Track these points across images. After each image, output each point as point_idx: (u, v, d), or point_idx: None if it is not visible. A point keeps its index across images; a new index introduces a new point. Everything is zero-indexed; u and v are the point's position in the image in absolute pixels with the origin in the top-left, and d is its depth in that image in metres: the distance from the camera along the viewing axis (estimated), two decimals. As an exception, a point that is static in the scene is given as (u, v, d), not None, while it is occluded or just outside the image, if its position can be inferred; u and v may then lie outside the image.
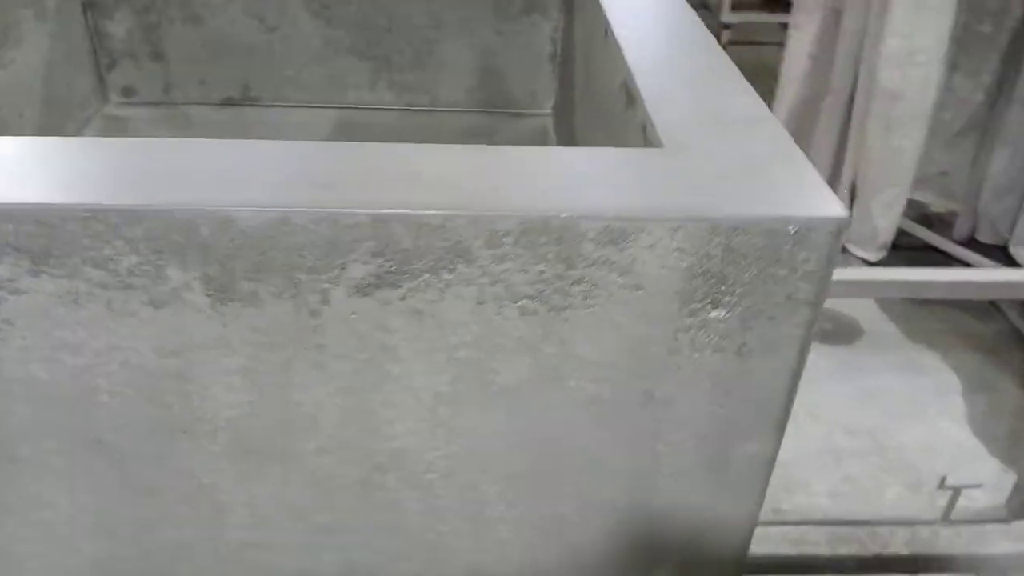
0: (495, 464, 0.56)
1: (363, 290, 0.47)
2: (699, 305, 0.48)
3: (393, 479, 0.56)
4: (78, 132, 1.04)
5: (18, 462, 0.54)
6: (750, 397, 0.53)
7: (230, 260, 0.46)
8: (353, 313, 0.48)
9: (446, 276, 0.47)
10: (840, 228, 0.46)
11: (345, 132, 1.11)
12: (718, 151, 0.53)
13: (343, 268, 0.46)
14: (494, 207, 0.45)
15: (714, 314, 0.49)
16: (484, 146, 0.52)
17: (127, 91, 1.14)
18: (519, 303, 0.48)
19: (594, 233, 0.46)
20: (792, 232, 0.46)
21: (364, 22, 1.10)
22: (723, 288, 0.48)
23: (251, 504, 0.57)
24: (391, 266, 0.46)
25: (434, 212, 0.45)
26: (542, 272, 0.47)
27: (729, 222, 0.46)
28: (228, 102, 1.15)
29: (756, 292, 0.48)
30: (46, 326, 0.48)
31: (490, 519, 0.59)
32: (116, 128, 1.09)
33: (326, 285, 0.47)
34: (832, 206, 0.47)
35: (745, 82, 0.63)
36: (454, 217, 0.45)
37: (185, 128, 1.11)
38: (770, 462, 0.56)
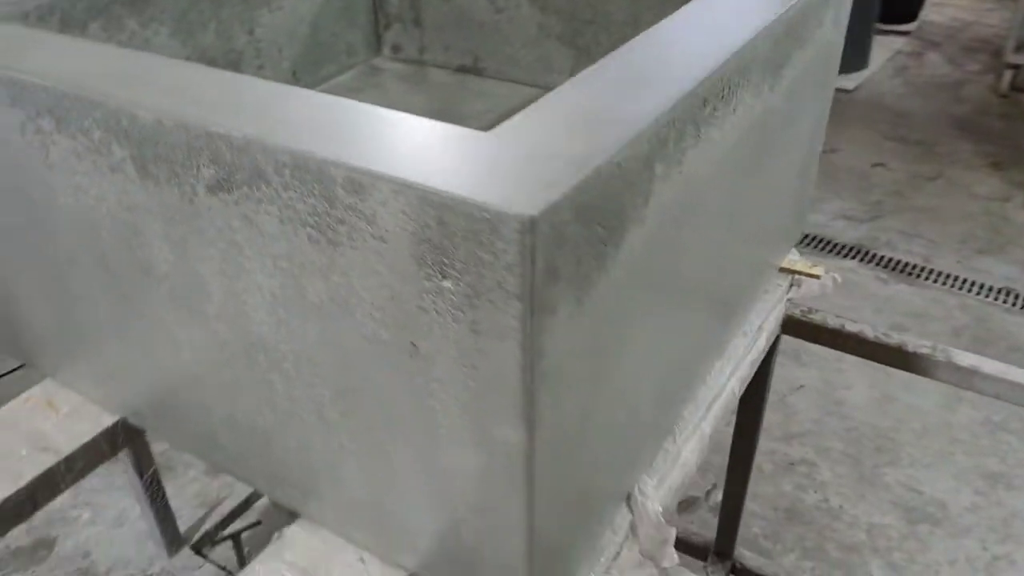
0: (325, 372, 0.65)
1: (212, 189, 0.60)
2: (432, 271, 0.52)
3: (263, 359, 0.68)
4: (334, 76, 1.31)
5: (73, 264, 0.78)
6: (493, 378, 0.54)
7: (140, 146, 0.62)
8: (209, 208, 0.61)
9: (256, 192, 0.57)
10: (528, 229, 0.46)
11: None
12: (535, 141, 0.54)
13: (198, 168, 0.60)
14: (282, 142, 0.55)
15: (445, 284, 0.52)
16: (339, 99, 0.60)
17: (395, 48, 1.38)
18: (307, 230, 0.57)
19: (341, 179, 0.52)
20: (487, 219, 0.47)
21: (573, 13, 1.18)
22: (446, 260, 0.51)
23: (191, 344, 0.74)
24: (223, 174, 0.59)
25: (240, 135, 0.56)
26: (314, 206, 0.55)
27: (438, 196, 0.49)
28: (461, 69, 1.32)
29: (472, 272, 0.50)
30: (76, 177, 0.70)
31: (330, 422, 0.68)
32: (369, 76, 1.33)
33: (192, 180, 0.61)
34: (528, 205, 0.46)
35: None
36: (252, 143, 0.55)
37: (420, 84, 1.31)
38: (527, 456, 0.56)
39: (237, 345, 0.70)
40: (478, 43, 1.29)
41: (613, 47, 1.19)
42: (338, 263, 0.57)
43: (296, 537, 0.78)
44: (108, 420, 0.92)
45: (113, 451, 0.93)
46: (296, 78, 1.24)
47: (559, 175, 0.50)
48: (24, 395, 0.96)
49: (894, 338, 1.10)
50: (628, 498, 0.80)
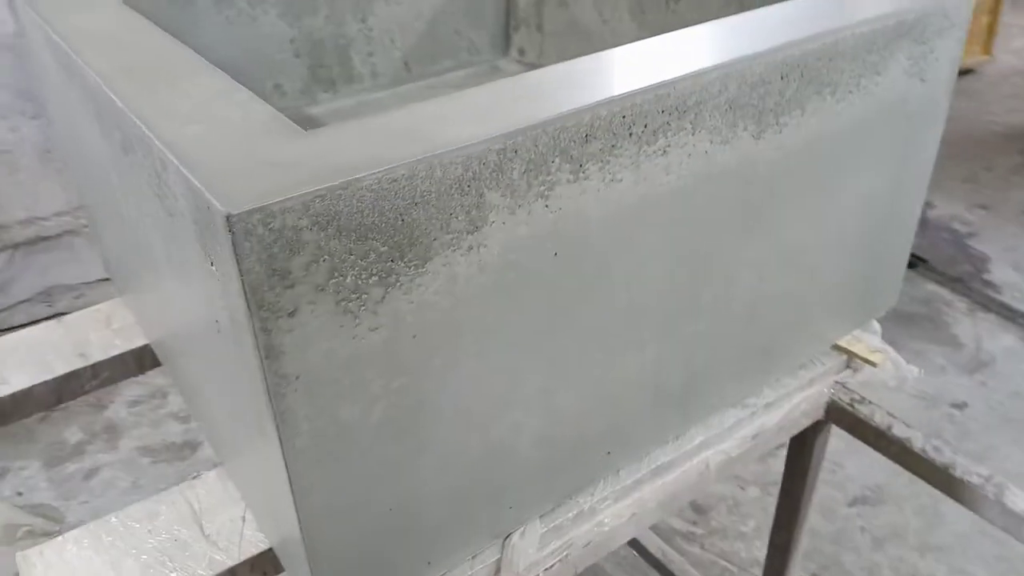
0: (197, 335, 0.70)
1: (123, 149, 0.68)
2: (204, 251, 0.55)
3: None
4: (449, 71, 1.36)
5: (122, 201, 0.91)
6: (248, 371, 0.56)
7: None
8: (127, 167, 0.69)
9: (130, 158, 0.64)
10: (227, 227, 0.47)
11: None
12: (339, 147, 0.54)
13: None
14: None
15: (211, 267, 0.54)
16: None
17: (521, 51, 1.40)
18: (153, 194, 0.62)
19: (156, 150, 0.57)
20: (208, 210, 0.49)
21: (664, 29, 1.12)
22: (208, 243, 0.53)
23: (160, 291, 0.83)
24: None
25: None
26: (153, 175, 0.60)
27: (190, 183, 0.51)
28: (568, 79, 1.31)
29: (218, 259, 0.52)
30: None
31: (207, 383, 0.73)
32: (485, 75, 1.37)
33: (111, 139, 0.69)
34: (240, 204, 0.48)
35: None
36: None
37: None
38: (283, 455, 0.57)
39: (168, 299, 0.78)
40: (585, 52, 1.27)
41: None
42: (173, 231, 0.61)
43: (208, 481, 0.85)
44: (140, 342, 1.05)
45: (140, 369, 1.07)
46: (408, 68, 1.31)
47: (304, 181, 0.50)
48: (96, 307, 1.13)
49: (945, 455, 0.92)
50: (507, 538, 0.77)
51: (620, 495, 0.84)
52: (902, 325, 2.39)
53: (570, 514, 0.80)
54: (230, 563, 0.76)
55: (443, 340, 0.61)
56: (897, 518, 1.75)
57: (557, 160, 0.60)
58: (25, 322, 2.61)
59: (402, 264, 0.56)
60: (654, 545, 1.55)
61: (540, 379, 0.71)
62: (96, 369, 1.03)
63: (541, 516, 0.79)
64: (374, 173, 0.52)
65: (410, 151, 0.53)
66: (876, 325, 1.07)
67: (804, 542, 1.19)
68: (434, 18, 1.31)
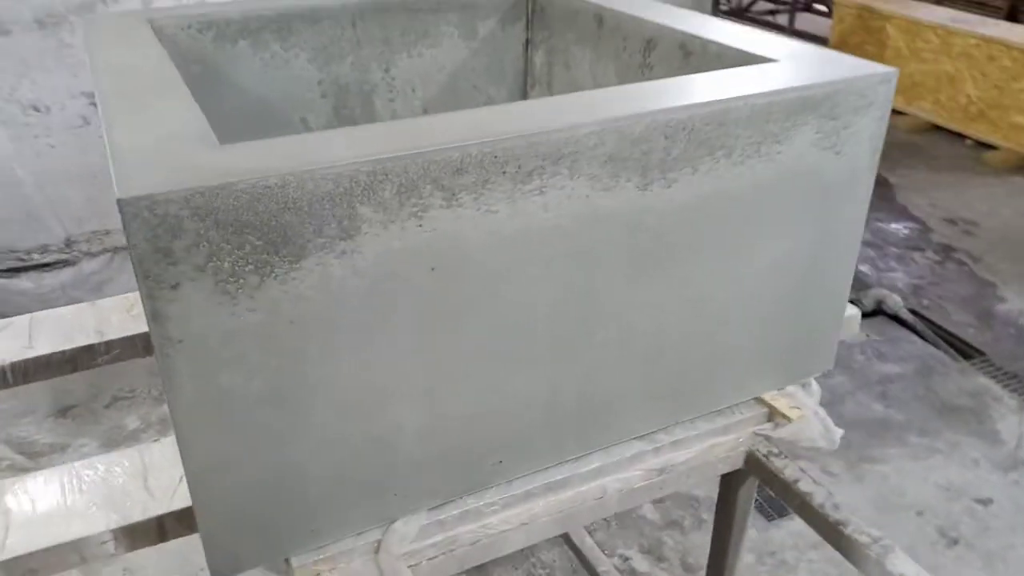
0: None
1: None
2: (126, 234, 0.69)
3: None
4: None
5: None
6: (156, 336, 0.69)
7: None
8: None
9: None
10: (120, 207, 0.61)
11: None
12: (244, 153, 0.68)
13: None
14: (108, 124, 0.76)
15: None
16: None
17: (534, 108, 1.52)
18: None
19: (106, 155, 0.72)
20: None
21: (644, 98, 1.22)
22: (124, 226, 0.67)
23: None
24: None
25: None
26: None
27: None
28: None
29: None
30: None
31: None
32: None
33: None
34: (130, 192, 0.61)
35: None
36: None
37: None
38: (170, 406, 0.69)
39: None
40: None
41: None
42: (125, 220, 0.76)
43: (164, 444, 0.98)
44: (150, 327, 1.22)
45: (148, 352, 1.23)
46: (426, 115, 1.45)
47: (191, 179, 0.63)
48: (125, 295, 1.31)
49: (840, 513, 0.95)
50: (391, 523, 0.86)
51: (510, 503, 0.91)
52: (943, 415, 2.33)
53: (455, 511, 0.88)
54: (159, 512, 0.88)
55: (319, 331, 0.73)
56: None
57: (429, 187, 0.71)
58: (115, 319, 2.88)
59: (276, 258, 0.68)
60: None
61: (422, 381, 0.80)
62: (109, 346, 1.20)
63: (429, 509, 0.88)
64: (249, 179, 0.64)
65: (287, 165, 0.66)
66: (815, 386, 1.10)
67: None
68: (455, 72, 1.45)
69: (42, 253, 2.80)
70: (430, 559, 0.88)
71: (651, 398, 0.96)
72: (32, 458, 2.21)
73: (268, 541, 0.80)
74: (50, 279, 2.80)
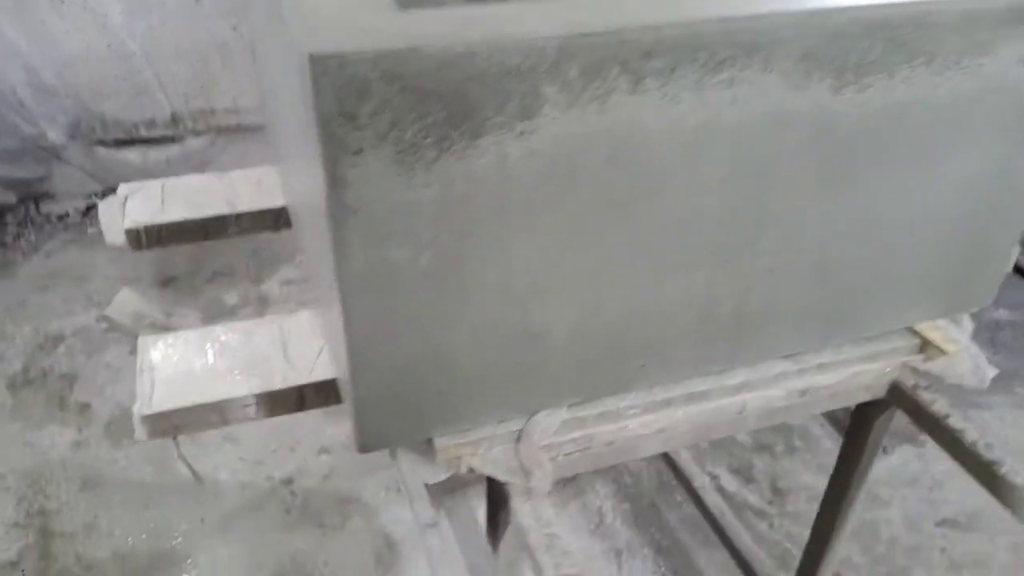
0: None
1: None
2: (301, 79, 0.66)
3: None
4: None
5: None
6: (318, 191, 0.67)
7: None
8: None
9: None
10: (305, 65, 0.58)
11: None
12: (422, 15, 0.64)
13: None
14: None
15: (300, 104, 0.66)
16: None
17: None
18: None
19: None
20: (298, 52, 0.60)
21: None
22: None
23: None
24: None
25: None
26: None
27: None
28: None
29: (302, 94, 0.63)
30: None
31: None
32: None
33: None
34: (320, 48, 0.58)
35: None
36: None
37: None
38: (337, 277, 0.68)
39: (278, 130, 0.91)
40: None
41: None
42: (292, 89, 0.73)
43: (300, 317, 0.99)
44: (279, 203, 1.22)
45: (275, 227, 1.23)
46: None
47: (377, 41, 0.60)
48: (258, 168, 1.30)
49: (993, 452, 0.91)
50: (532, 415, 0.85)
51: (649, 408, 0.90)
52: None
53: (595, 411, 0.87)
54: (300, 382, 0.89)
55: (489, 212, 0.70)
56: (984, 547, 1.67)
57: (616, 70, 0.67)
58: (215, 198, 2.94)
59: (456, 132, 0.65)
60: (717, 509, 1.59)
61: (582, 274, 0.78)
62: (240, 218, 1.20)
63: (569, 406, 0.87)
64: (438, 44, 0.61)
65: (476, 33, 0.62)
66: (967, 321, 1.04)
67: (850, 525, 1.19)
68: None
69: (149, 128, 2.85)
70: (567, 454, 0.88)
71: (805, 318, 0.92)
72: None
73: (414, 420, 0.80)
74: (155, 154, 2.85)
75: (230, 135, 2.92)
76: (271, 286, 2.47)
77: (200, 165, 2.93)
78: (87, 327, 2.25)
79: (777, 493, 1.82)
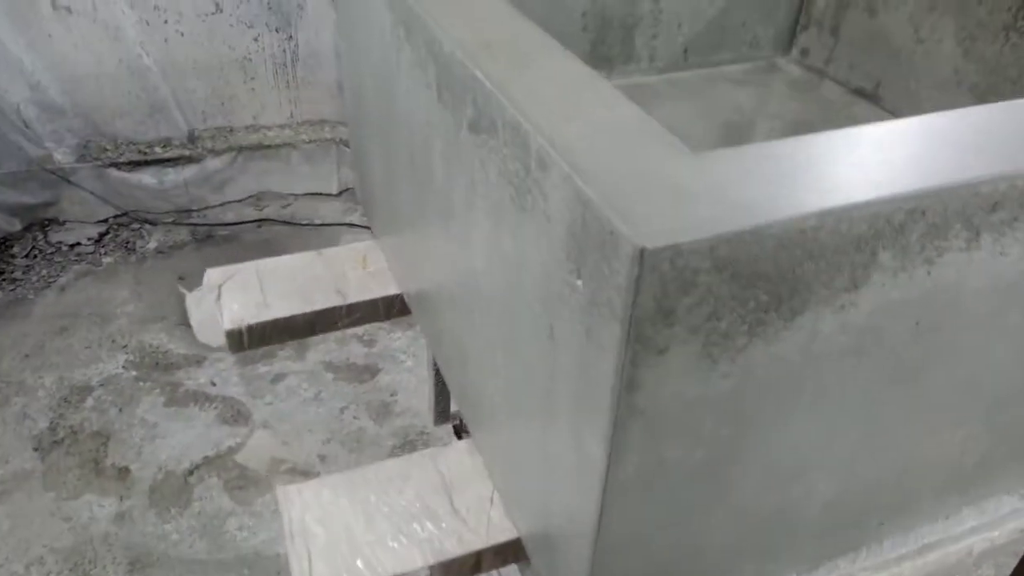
0: (502, 320, 0.69)
1: (470, 126, 0.67)
2: (572, 265, 0.53)
3: (472, 290, 0.75)
4: (726, 64, 1.29)
5: (397, 152, 0.92)
6: (592, 390, 0.53)
7: (440, 72, 0.71)
8: (466, 142, 0.68)
9: (490, 140, 0.63)
10: (637, 259, 0.44)
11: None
12: (734, 178, 0.51)
13: (465, 105, 0.67)
14: (511, 104, 0.58)
15: (577, 282, 0.52)
16: (593, 77, 0.61)
17: (804, 52, 1.31)
18: (510, 188, 0.61)
19: (535, 150, 0.55)
20: (611, 235, 0.47)
21: (998, 65, 1.01)
22: (582, 260, 0.51)
23: (438, 252, 0.84)
24: (476, 116, 0.65)
25: (488, 85, 0.61)
26: (518, 169, 0.58)
27: (586, 197, 0.49)
28: (858, 91, 1.21)
29: (595, 280, 0.50)
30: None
31: (497, 366, 0.73)
32: (762, 73, 1.29)
33: (461, 113, 0.68)
34: (651, 237, 0.45)
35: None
36: (493, 95, 0.60)
37: (807, 95, 1.24)
38: (603, 481, 0.55)
39: (461, 269, 0.77)
40: (886, 69, 1.17)
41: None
42: (523, 227, 0.60)
43: (457, 451, 0.85)
44: (393, 290, 1.07)
45: (388, 315, 1.09)
46: (685, 55, 1.25)
47: (712, 220, 0.46)
48: (353, 244, 1.16)
49: None
50: (763, 587, 0.73)
51: (880, 567, 0.78)
52: None
53: (827, 574, 0.75)
54: (479, 545, 0.76)
55: (782, 395, 0.57)
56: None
57: (958, 226, 0.54)
58: (234, 221, 2.77)
59: (775, 315, 0.52)
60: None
61: (853, 445, 0.65)
62: (351, 309, 1.06)
63: (798, 573, 0.75)
64: (784, 221, 0.47)
65: (822, 200, 0.49)
66: None
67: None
68: (726, 7, 1.24)
69: (164, 147, 2.66)
70: (793, 628, 0.76)
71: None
72: (168, 371, 2.13)
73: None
74: (173, 175, 2.67)
75: (250, 153, 2.75)
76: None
77: (220, 186, 2.76)
78: (115, 376, 2.08)
79: None
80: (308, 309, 1.03)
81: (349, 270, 1.10)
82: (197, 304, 1.03)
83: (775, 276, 0.50)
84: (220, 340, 1.01)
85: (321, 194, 2.86)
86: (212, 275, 1.07)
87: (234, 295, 1.04)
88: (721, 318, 0.50)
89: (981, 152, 0.55)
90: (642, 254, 0.44)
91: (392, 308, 1.09)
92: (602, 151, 0.53)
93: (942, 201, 0.52)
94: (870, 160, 0.53)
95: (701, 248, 0.46)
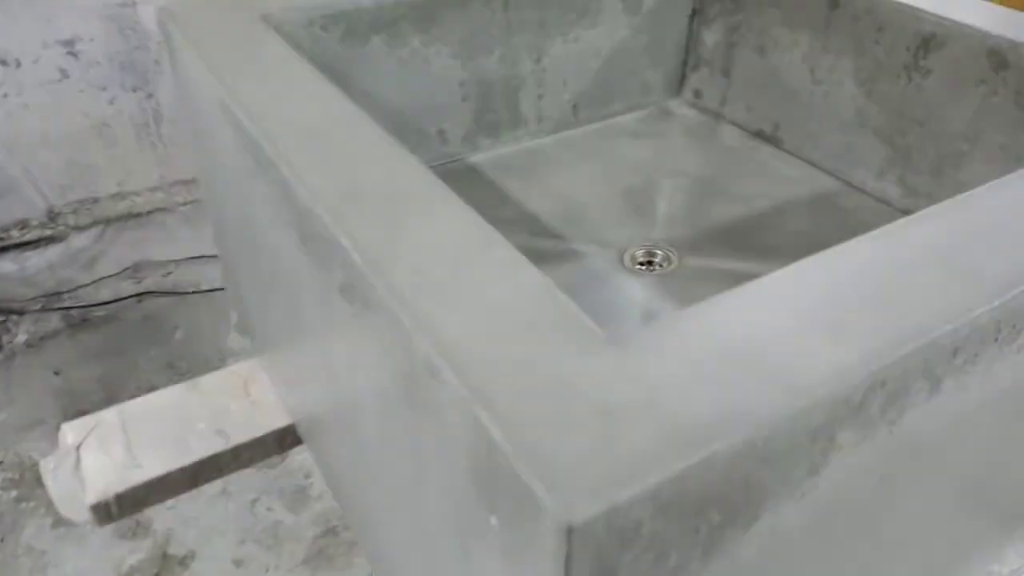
0: (404, 504, 0.59)
1: (342, 291, 0.56)
2: (483, 497, 0.43)
3: (365, 455, 0.64)
4: (618, 115, 1.21)
5: (271, 278, 0.80)
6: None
7: (300, 221, 0.60)
8: (338, 307, 0.57)
9: (364, 318, 0.52)
10: (565, 536, 0.35)
11: (831, 210, 1.02)
12: (670, 382, 0.42)
13: (335, 267, 0.56)
14: (385, 287, 0.48)
15: (492, 520, 0.42)
16: (479, 226, 0.51)
17: (696, 93, 1.25)
18: (396, 385, 0.50)
19: (421, 355, 0.45)
20: (525, 494, 0.37)
21: (901, 107, 0.96)
22: (494, 498, 0.41)
23: (323, 394, 0.72)
24: (349, 283, 0.54)
25: (359, 262, 0.50)
26: (399, 365, 0.48)
27: (487, 433, 0.39)
28: (758, 134, 1.16)
29: (514, 528, 0.40)
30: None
31: (402, 544, 0.62)
32: (656, 121, 1.22)
33: (331, 273, 0.57)
34: (579, 501, 0.35)
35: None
36: (366, 273, 0.49)
37: (706, 142, 1.17)
38: None
39: (353, 440, 0.66)
40: (784, 111, 1.11)
41: (939, 161, 0.97)
42: (420, 432, 0.49)
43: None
44: (282, 421, 0.95)
45: (280, 450, 0.97)
46: (575, 112, 1.17)
47: (652, 457, 0.37)
48: (233, 367, 1.03)
49: None
50: None
51: None
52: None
53: None
54: None
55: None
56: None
57: (920, 382, 0.47)
58: (110, 299, 2.56)
59: (731, 530, 0.43)
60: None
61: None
62: (236, 452, 0.93)
63: None
64: (735, 438, 0.39)
65: (776, 403, 0.40)
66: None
67: None
68: (611, 56, 1.16)
69: (22, 230, 2.42)
70: None
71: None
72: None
73: None
74: (35, 259, 2.43)
75: (120, 224, 2.53)
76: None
77: (89, 263, 2.54)
78: (-10, 498, 1.86)
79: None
80: (186, 461, 0.90)
81: (231, 402, 0.97)
82: (53, 475, 0.88)
83: (727, 494, 0.41)
84: (86, 514, 0.86)
85: (204, 256, 2.67)
86: (67, 434, 0.92)
87: (96, 457, 0.89)
88: (668, 556, 0.41)
89: (934, 295, 0.48)
90: (570, 532, 0.35)
91: (285, 441, 0.96)
92: (504, 357, 0.43)
93: (902, 367, 0.45)
94: (816, 324, 0.45)
95: (642, 499, 0.37)
